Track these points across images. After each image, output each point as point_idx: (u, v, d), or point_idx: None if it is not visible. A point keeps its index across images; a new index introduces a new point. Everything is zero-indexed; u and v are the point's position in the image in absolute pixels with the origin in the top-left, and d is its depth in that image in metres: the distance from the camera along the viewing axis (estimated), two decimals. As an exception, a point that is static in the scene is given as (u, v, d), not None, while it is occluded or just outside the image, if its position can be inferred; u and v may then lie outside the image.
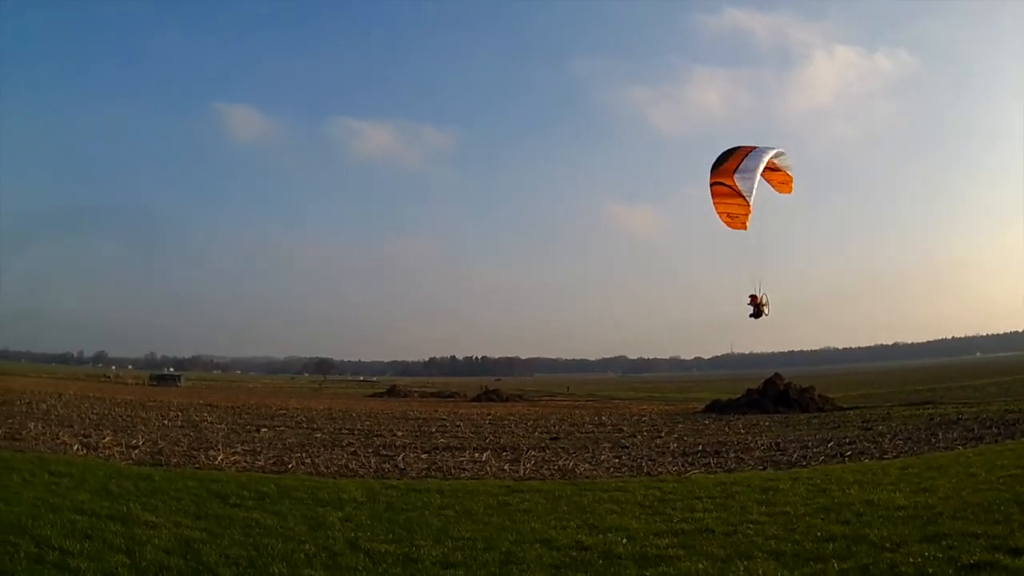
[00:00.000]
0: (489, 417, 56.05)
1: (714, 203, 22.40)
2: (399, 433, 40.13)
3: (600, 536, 14.41)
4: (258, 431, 39.11)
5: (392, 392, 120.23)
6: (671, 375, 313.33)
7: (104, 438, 31.05)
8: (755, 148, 22.60)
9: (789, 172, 24.05)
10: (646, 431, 41.86)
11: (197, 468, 23.91)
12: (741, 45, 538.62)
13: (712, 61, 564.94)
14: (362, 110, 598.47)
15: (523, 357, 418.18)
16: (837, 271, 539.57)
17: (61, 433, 31.96)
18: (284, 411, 59.03)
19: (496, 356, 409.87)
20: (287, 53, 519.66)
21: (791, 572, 11.57)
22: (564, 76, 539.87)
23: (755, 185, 21.81)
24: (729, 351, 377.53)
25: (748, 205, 21.71)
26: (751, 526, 14.81)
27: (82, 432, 33.34)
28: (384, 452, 30.20)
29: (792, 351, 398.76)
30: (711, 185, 22.31)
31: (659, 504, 17.72)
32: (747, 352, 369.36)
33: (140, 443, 29.84)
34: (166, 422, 42.83)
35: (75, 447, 27.42)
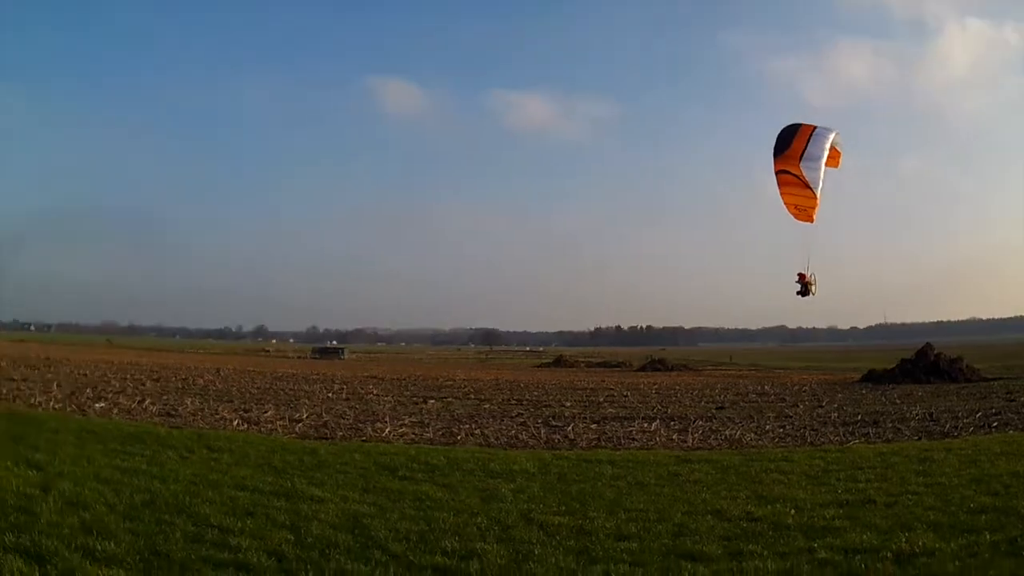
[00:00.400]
0: (656, 387, 55.99)
1: (780, 192, 21.46)
2: (568, 403, 40.17)
3: (769, 507, 14.57)
4: (425, 403, 39.13)
5: (559, 362, 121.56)
6: (828, 345, 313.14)
7: (266, 412, 31.17)
8: (816, 128, 21.58)
9: (839, 148, 23.14)
10: (807, 400, 42.06)
11: (364, 441, 23.92)
12: (880, 17, 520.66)
13: (855, 32, 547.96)
14: (518, 81, 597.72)
15: (687, 327, 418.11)
16: (980, 241, 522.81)
17: (220, 408, 32.09)
18: (451, 382, 59.25)
19: (660, 326, 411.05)
20: (441, 25, 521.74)
21: (947, 544, 11.63)
22: (716, 48, 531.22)
23: (821, 175, 20.94)
24: (882, 321, 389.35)
25: (815, 197, 20.85)
26: (910, 497, 15.15)
27: (242, 407, 33.50)
28: (554, 423, 30.21)
29: (941, 321, 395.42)
30: (777, 173, 21.38)
31: (823, 474, 18.15)
32: (899, 322, 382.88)
33: (304, 417, 29.95)
34: (330, 395, 43.04)
35: (235, 422, 27.49)
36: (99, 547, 10.66)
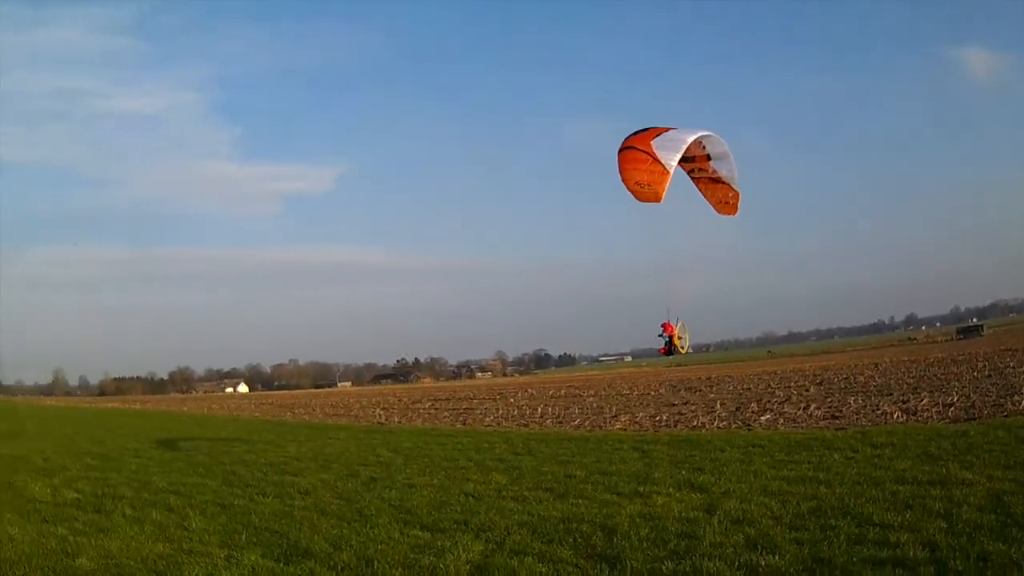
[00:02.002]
0: None
1: (620, 170, 15.44)
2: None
3: None
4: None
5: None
6: None
7: (921, 400, 29.86)
8: (677, 128, 15.63)
9: (735, 186, 16.94)
10: None
11: (1005, 416, 22.61)
12: None
13: None
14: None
15: None
16: None
17: (880, 403, 30.98)
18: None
19: None
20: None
21: None
22: None
23: (679, 154, 15.08)
24: None
25: (667, 172, 14.91)
26: None
27: (900, 398, 32.33)
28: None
29: None
30: (619, 152, 15.48)
31: None
32: None
33: (954, 400, 28.49)
34: (975, 374, 40.89)
35: (895, 415, 26.51)
36: (763, 562, 10.19)
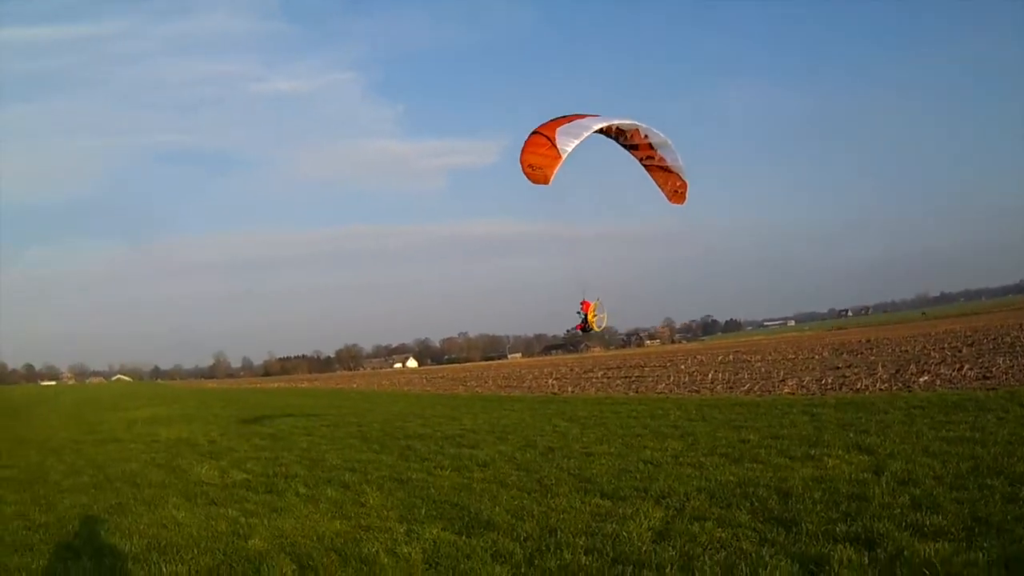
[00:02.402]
0: None
1: (521, 152, 14.74)
2: None
3: None
4: None
5: None
6: None
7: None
8: (597, 116, 15.02)
9: (683, 176, 16.02)
10: None
11: None
12: None
13: None
14: None
15: None
16: None
17: None
18: None
19: None
20: None
21: None
22: None
23: (578, 140, 14.32)
24: None
25: (559, 156, 14.18)
26: None
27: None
28: None
29: None
30: (528, 136, 14.79)
31: None
32: None
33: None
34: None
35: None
36: (927, 522, 10.10)
